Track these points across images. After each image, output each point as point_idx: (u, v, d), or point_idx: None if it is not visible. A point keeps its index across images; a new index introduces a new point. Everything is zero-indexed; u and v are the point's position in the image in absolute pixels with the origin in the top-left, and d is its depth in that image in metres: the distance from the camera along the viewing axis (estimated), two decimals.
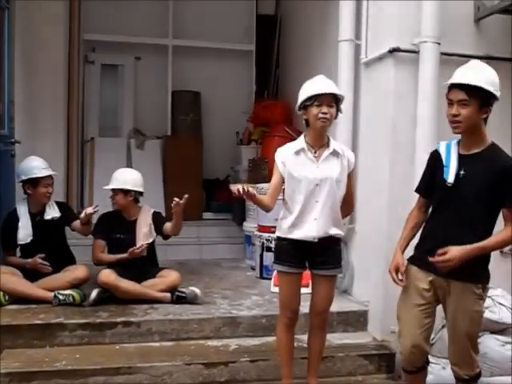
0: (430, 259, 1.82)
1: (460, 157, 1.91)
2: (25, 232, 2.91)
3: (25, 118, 3.58)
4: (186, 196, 2.78)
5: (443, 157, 1.94)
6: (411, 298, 1.94)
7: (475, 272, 1.84)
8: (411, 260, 1.97)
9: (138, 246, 2.85)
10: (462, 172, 1.87)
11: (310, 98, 2.08)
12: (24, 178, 2.92)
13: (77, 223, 2.95)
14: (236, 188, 1.99)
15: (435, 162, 1.96)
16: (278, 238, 2.16)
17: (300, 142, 2.17)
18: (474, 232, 1.83)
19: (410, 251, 2.00)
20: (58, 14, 4.16)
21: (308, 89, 2.11)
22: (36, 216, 2.95)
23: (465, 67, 1.93)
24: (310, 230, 2.10)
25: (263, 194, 3.56)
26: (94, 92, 4.85)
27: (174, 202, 2.84)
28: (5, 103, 3.12)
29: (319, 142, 2.15)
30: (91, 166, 4.59)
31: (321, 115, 2.07)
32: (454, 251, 1.78)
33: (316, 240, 2.09)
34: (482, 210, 1.84)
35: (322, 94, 2.07)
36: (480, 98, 1.84)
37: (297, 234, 2.10)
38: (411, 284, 1.94)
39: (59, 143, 4.22)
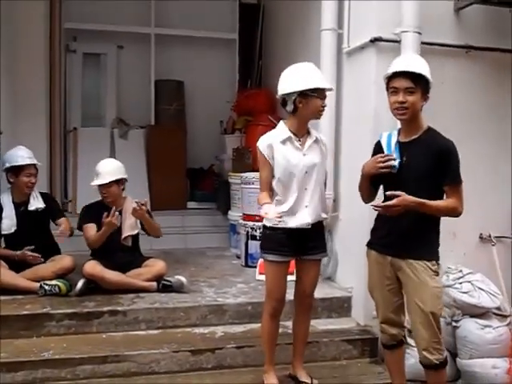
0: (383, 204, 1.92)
1: (400, 144, 2.01)
2: (8, 222, 2.91)
3: (6, 108, 3.54)
4: (146, 200, 2.96)
5: (384, 146, 2.03)
6: (378, 281, 2.05)
7: (428, 249, 1.96)
8: (370, 245, 2.08)
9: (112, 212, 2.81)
10: (404, 158, 1.97)
11: (314, 90, 2.11)
12: (7, 165, 2.93)
13: (61, 221, 2.97)
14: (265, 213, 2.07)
15: (378, 153, 2.03)
16: (269, 228, 2.16)
17: (283, 130, 2.19)
18: (421, 215, 1.92)
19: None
20: (39, 2, 4.09)
21: (314, 80, 2.11)
22: (20, 206, 2.95)
23: (404, 57, 2.11)
24: (303, 217, 2.16)
25: (248, 182, 3.66)
26: (76, 81, 4.79)
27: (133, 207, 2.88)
28: None
29: (303, 131, 2.19)
30: (74, 156, 4.55)
31: (322, 108, 2.15)
32: (401, 199, 1.87)
33: (309, 226, 2.15)
34: (427, 193, 1.91)
35: (325, 89, 2.15)
36: (423, 85, 1.96)
37: (292, 223, 2.14)
38: (374, 267, 2.05)
39: (41, 133, 4.18)
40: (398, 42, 2.61)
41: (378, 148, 2.06)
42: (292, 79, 2.13)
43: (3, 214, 2.90)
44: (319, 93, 2.11)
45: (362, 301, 2.72)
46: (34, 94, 4.06)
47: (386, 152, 2.00)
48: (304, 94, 2.09)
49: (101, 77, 4.94)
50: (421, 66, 1.97)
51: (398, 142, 2.01)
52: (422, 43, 2.61)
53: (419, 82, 1.97)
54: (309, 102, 2.10)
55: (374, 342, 2.59)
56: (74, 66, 4.80)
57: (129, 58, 4.94)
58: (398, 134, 2.04)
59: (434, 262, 1.95)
